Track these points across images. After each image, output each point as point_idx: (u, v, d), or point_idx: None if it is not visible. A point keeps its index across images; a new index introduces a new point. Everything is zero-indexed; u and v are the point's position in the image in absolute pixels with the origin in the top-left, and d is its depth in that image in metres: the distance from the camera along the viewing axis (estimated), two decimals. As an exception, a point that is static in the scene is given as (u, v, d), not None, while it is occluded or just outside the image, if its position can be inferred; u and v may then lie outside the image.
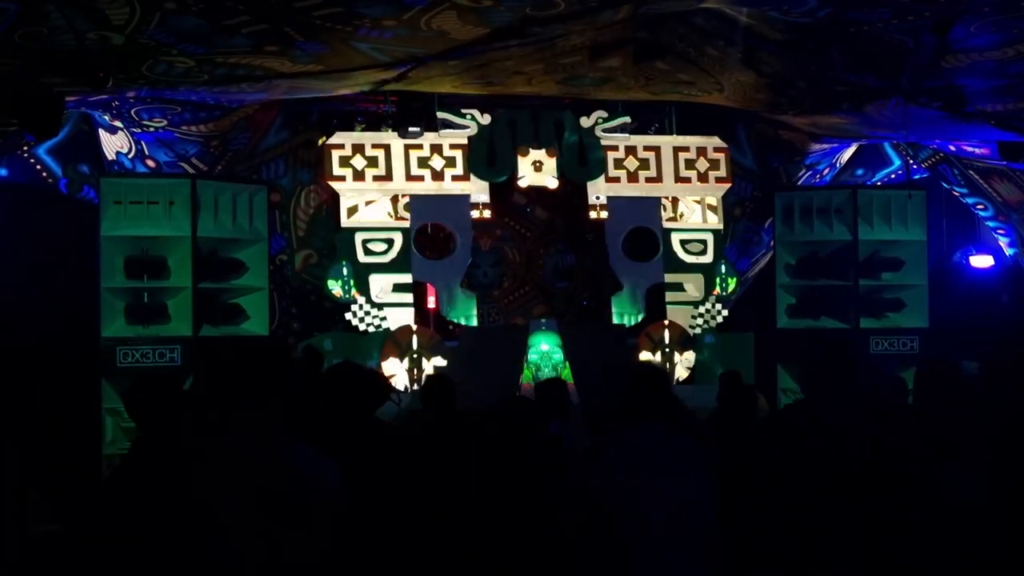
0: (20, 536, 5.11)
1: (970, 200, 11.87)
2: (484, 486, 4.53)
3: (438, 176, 10.81)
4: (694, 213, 11.40)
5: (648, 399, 4.60)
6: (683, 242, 11.31)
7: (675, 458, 4.50)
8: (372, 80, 9.00)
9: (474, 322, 10.88)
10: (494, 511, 4.48)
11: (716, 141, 11.44)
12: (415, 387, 10.00)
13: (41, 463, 6.41)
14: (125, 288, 9.53)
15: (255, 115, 10.35)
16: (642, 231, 11.36)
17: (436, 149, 10.80)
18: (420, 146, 10.77)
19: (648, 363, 10.33)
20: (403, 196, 10.75)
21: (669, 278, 11.23)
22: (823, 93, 9.23)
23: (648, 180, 11.27)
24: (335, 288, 10.46)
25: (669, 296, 11.21)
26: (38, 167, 9.87)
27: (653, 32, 8.11)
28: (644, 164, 11.26)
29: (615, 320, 11.08)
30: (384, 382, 5.20)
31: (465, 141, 10.84)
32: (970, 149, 10.88)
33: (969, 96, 8.62)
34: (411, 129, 10.61)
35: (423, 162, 10.76)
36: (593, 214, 11.18)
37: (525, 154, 10.91)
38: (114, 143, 9.99)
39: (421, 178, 10.76)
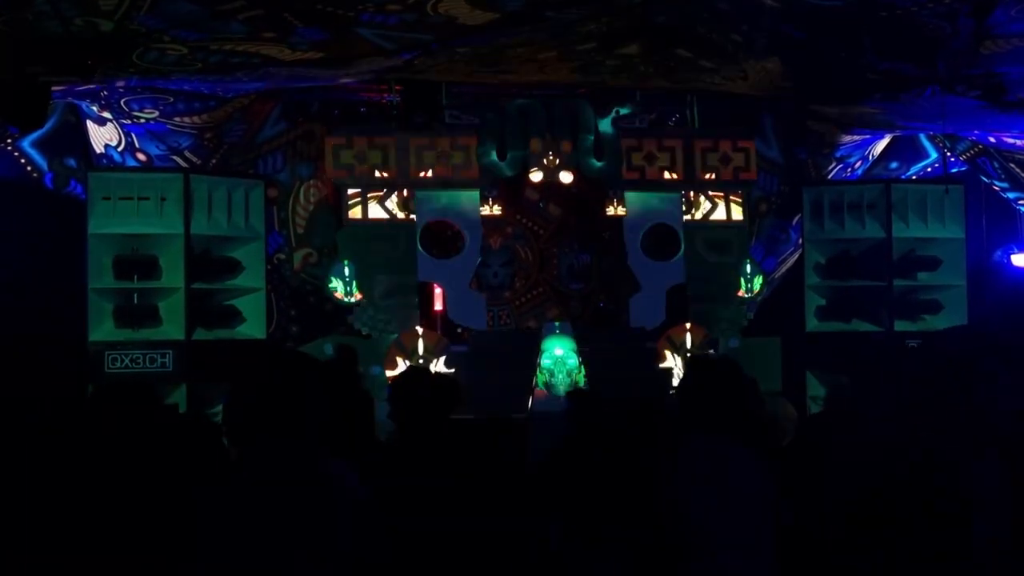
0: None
1: (1011, 195, 11.85)
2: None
3: (445, 170, 10.83)
4: (717, 209, 11.39)
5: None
6: (706, 240, 11.32)
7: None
8: (376, 68, 9.01)
9: (484, 325, 10.91)
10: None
11: (740, 133, 11.44)
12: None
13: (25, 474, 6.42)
14: (114, 289, 9.54)
15: (252, 105, 10.39)
16: (662, 228, 11.38)
17: (443, 141, 10.81)
18: (426, 138, 10.79)
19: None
20: (408, 191, 10.76)
21: (691, 278, 11.21)
22: (854, 81, 9.22)
23: (668, 174, 11.27)
24: (337, 289, 10.46)
25: (691, 298, 11.18)
26: (22, 160, 9.92)
27: (673, 17, 8.11)
28: (664, 157, 11.25)
29: (633, 323, 11.09)
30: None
31: (474, 133, 10.85)
32: (1011, 141, 10.87)
33: (1009, 84, 8.62)
34: (417, 120, 10.62)
35: (430, 155, 10.78)
36: (610, 210, 11.18)
37: (537, 147, 10.92)
38: (103, 135, 10.03)
39: (427, 172, 10.78)
